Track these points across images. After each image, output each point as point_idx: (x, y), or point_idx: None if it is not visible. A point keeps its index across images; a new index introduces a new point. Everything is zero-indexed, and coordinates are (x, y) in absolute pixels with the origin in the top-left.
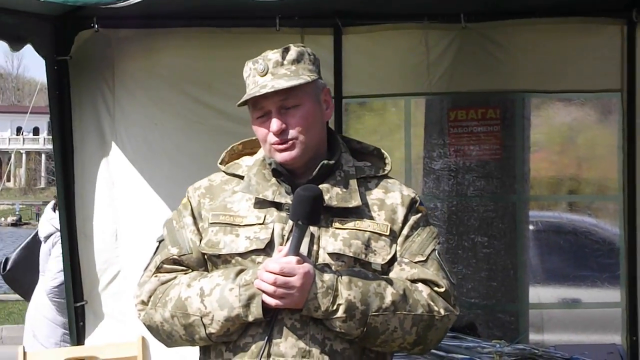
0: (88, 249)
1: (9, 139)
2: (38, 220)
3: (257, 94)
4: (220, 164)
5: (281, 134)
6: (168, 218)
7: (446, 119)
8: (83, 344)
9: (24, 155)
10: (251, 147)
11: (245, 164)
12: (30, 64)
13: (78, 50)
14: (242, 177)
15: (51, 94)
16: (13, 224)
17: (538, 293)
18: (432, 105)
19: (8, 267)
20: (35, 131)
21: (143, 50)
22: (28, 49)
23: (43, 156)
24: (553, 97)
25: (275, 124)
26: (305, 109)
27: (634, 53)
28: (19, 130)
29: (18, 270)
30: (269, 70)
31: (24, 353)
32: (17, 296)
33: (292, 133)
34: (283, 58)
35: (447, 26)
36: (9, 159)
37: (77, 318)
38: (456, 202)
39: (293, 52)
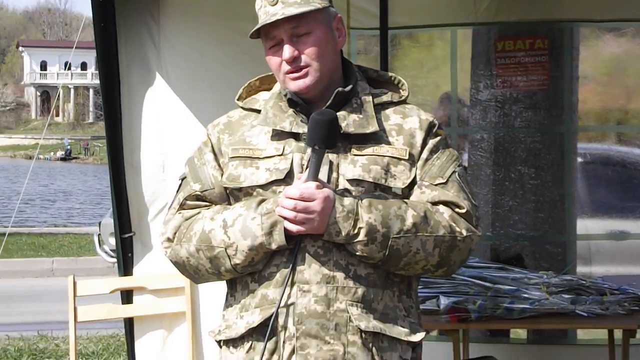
0: (136, 181)
1: (57, 74)
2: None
3: (268, 21)
4: (237, 100)
5: (294, 61)
6: (189, 156)
7: (493, 49)
8: (131, 275)
9: (72, 90)
10: (268, 83)
11: (262, 98)
12: None
13: None
14: (259, 112)
15: (96, 27)
16: (62, 159)
17: (586, 225)
18: (479, 36)
19: None
20: (83, 66)
21: None
22: None
23: (91, 91)
24: (602, 27)
25: (287, 51)
26: (317, 36)
27: None
28: (67, 65)
29: None
30: None
31: (74, 282)
32: (67, 229)
33: (305, 60)
34: None
35: None
36: (58, 94)
37: (125, 249)
38: (503, 133)
39: None
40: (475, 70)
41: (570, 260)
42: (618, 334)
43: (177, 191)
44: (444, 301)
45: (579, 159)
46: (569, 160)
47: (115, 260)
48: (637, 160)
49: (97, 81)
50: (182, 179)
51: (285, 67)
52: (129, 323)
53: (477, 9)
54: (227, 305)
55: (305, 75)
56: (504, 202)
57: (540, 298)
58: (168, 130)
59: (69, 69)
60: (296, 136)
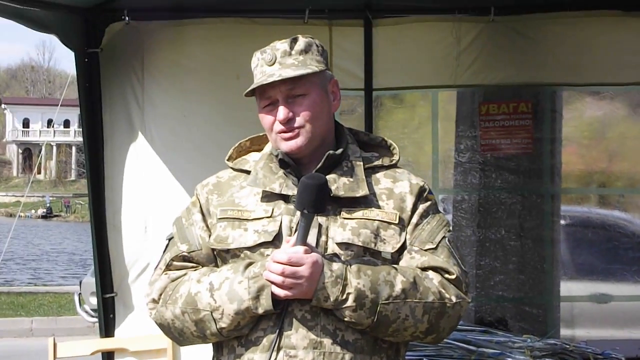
0: (117, 241)
1: (40, 132)
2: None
3: (265, 82)
4: (227, 160)
5: (288, 122)
6: (177, 216)
7: (477, 112)
8: (113, 336)
9: (54, 148)
10: (259, 144)
11: (253, 159)
12: (61, 57)
13: (109, 42)
14: (249, 172)
15: (81, 86)
16: (43, 216)
17: (569, 287)
18: (464, 98)
19: None
20: (66, 123)
21: (172, 42)
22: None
23: (73, 148)
24: (583, 91)
25: (282, 112)
26: (312, 98)
27: None
28: (49, 122)
29: None
30: (277, 59)
31: (54, 344)
32: (47, 288)
33: (298, 121)
34: (291, 48)
35: (475, 19)
36: (40, 152)
37: (107, 310)
38: (484, 194)
39: (301, 42)
40: (459, 132)
41: (553, 324)
42: None
43: (164, 251)
44: None
45: (562, 222)
46: (550, 221)
47: (95, 319)
48: (617, 222)
49: (80, 138)
50: (169, 239)
51: (279, 126)
52: None
53: (458, 71)
54: None
55: (297, 136)
56: (485, 264)
57: None
58: (150, 190)
59: (52, 126)
60: (286, 198)
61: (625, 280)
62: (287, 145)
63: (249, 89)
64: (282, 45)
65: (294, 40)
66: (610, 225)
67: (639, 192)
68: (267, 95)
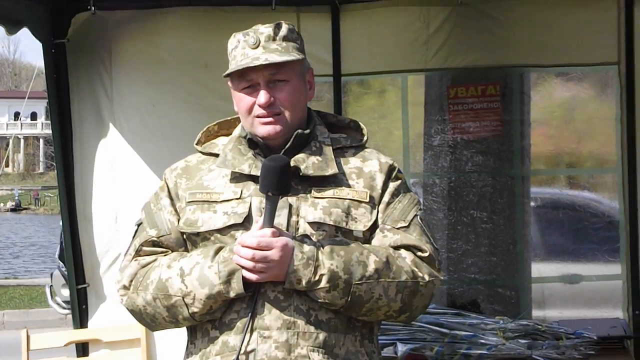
0: (89, 232)
1: (7, 125)
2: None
3: (251, 64)
4: (196, 144)
5: (269, 106)
6: (146, 202)
7: (446, 96)
8: (86, 327)
9: (22, 141)
10: (227, 128)
11: (222, 143)
12: (27, 49)
13: (75, 33)
14: (218, 156)
15: (49, 77)
16: (12, 209)
17: (539, 268)
18: (432, 82)
19: None
20: (33, 116)
21: (139, 32)
22: (25, 33)
23: (41, 141)
24: (551, 72)
25: (263, 96)
26: (293, 85)
27: (631, 25)
28: (16, 115)
29: None
30: (261, 43)
31: (27, 336)
32: (18, 281)
33: (278, 107)
34: (275, 34)
35: (443, 2)
36: (7, 145)
37: (79, 301)
38: (455, 177)
39: (284, 29)
40: (428, 116)
41: (525, 305)
42: None
43: (133, 237)
44: (401, 348)
45: (531, 204)
46: (521, 203)
47: (67, 311)
48: (587, 202)
49: (48, 131)
50: (138, 225)
51: (258, 110)
52: None
53: (427, 55)
54: (188, 353)
55: (276, 122)
56: (457, 247)
57: (497, 343)
58: (121, 181)
59: (19, 119)
60: (255, 179)
61: (596, 260)
62: (265, 130)
63: (232, 69)
64: (266, 29)
65: (278, 27)
66: (580, 206)
67: (608, 172)
68: (248, 77)
